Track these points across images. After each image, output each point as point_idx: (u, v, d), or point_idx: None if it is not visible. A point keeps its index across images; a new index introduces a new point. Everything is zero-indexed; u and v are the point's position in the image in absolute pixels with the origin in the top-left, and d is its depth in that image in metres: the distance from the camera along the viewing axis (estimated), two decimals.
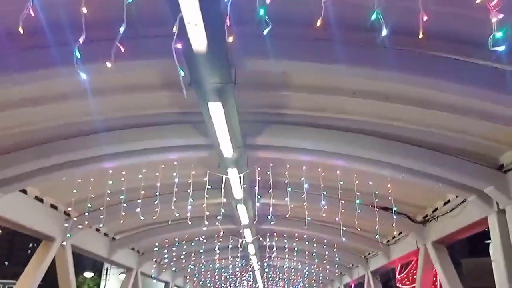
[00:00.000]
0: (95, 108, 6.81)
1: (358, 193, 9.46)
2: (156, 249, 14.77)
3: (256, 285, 27.07)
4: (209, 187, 8.64)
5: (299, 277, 22.61)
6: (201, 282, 23.16)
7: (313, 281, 22.67)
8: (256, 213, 10.62)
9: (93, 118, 6.97)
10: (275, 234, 14.21)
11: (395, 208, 10.34)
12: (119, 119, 7.13)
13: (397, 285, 15.22)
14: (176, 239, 14.55)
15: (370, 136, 7.23)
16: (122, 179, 8.98)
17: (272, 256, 19.98)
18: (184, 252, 15.24)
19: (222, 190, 8.19)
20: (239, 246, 14.23)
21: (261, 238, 13.91)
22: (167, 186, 9.06)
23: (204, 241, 14.59)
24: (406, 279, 14.21)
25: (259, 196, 8.27)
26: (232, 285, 25.86)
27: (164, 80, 6.25)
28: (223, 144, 6.74)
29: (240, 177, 8.00)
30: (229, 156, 7.15)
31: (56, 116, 6.82)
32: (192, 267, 19.95)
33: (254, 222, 12.36)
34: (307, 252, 14.97)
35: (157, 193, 9.07)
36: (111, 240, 13.53)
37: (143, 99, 6.79)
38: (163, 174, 8.75)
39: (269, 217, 10.00)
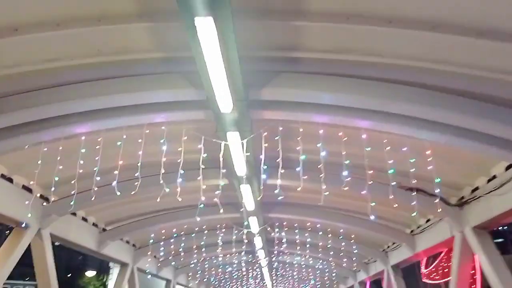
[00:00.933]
0: (57, 48, 5.31)
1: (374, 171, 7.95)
2: (151, 240, 13.20)
3: (263, 283, 25.44)
4: (203, 167, 7.05)
5: (310, 274, 20.95)
6: (204, 280, 21.55)
7: (326, 278, 20.98)
8: (262, 193, 9.03)
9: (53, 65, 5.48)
10: (284, 224, 12.59)
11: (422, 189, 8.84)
12: (88, 68, 5.61)
13: (423, 280, 13.56)
14: (174, 230, 12.99)
15: (408, 86, 5.64)
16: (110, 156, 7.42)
17: (281, 252, 18.38)
18: (182, 244, 13.67)
19: (221, 160, 6.58)
20: (244, 238, 12.64)
21: (268, 229, 12.31)
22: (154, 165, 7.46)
23: (206, 231, 13.02)
24: (435, 273, 12.54)
25: (265, 167, 6.65)
26: (238, 283, 24.28)
27: (142, 6, 4.74)
28: (219, 93, 5.17)
29: (242, 144, 6.41)
30: (228, 111, 5.57)
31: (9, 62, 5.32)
32: (194, 262, 18.43)
33: (260, 207, 10.80)
34: (320, 244, 13.29)
35: (137, 174, 7.34)
36: (101, 231, 12.00)
37: (117, 36, 5.25)
38: (147, 151, 7.12)
39: (278, 198, 8.35)
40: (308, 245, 14.15)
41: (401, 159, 7.32)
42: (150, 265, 16.58)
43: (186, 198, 11.75)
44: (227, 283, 23.82)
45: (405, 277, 14.01)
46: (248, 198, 9.29)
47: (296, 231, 12.63)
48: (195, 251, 16.52)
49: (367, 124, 6.29)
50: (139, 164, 7.06)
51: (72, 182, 7.78)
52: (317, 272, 19.87)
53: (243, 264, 19.03)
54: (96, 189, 8.65)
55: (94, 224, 11.72)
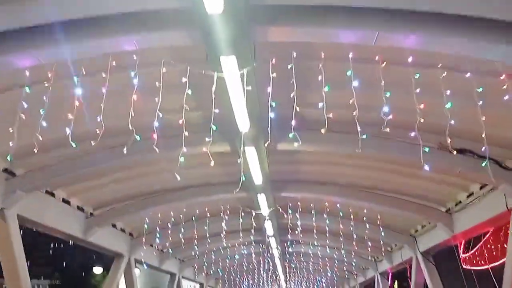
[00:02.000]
0: None
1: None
2: (146, 226, 11.45)
3: (276, 276, 23.64)
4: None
5: (326, 266, 19.08)
6: (211, 273, 19.79)
7: (344, 269, 19.08)
8: (272, 168, 7.28)
9: None
10: (298, 204, 10.75)
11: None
12: None
13: (464, 267, 11.66)
14: (172, 214, 11.26)
15: None
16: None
17: (294, 241, 16.56)
18: (183, 231, 11.90)
19: (213, 98, 4.75)
20: (252, 222, 10.86)
21: (280, 210, 10.52)
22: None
23: (208, 215, 11.26)
24: (479, 258, 10.64)
25: (273, 105, 4.80)
26: (249, 276, 22.51)
27: None
28: None
29: (243, 75, 4.60)
30: (219, 11, 3.77)
31: None
32: (199, 254, 16.70)
33: (270, 183, 9.03)
34: (340, 228, 11.41)
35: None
36: (88, 216, 10.31)
37: None
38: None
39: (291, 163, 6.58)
40: (325, 231, 12.27)
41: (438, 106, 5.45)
42: (151, 257, 14.90)
43: (184, 175, 10.08)
44: (238, 277, 22.02)
45: (437, 265, 12.13)
46: (254, 165, 7.49)
47: (312, 211, 10.77)
48: (199, 241, 14.81)
49: (416, 41, 4.43)
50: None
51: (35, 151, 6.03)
52: (335, 263, 18.01)
53: (253, 255, 17.21)
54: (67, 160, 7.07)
55: (79, 208, 10.03)
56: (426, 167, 5.62)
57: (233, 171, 9.88)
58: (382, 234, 11.22)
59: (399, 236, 12.71)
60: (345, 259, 16.79)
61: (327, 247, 16.53)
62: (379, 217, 11.10)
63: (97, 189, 9.70)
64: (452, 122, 5.39)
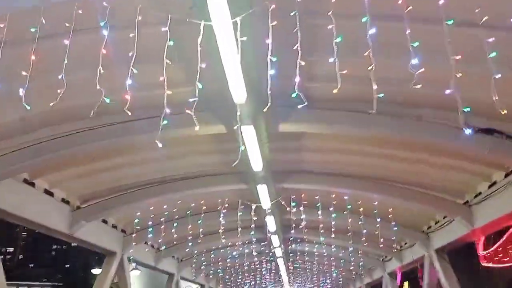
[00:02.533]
0: None
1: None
2: (137, 220, 10.58)
3: (278, 276, 22.72)
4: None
5: (332, 266, 18.15)
6: (211, 273, 18.90)
7: (351, 270, 18.15)
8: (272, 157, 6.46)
9: None
10: (302, 196, 9.85)
11: None
12: None
13: (484, 264, 10.73)
14: (165, 207, 10.39)
15: None
16: None
17: (298, 239, 15.68)
18: (175, 225, 11.03)
19: (199, 58, 3.87)
20: (253, 217, 9.99)
21: (283, 203, 9.63)
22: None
23: (204, 207, 10.37)
24: (501, 254, 9.71)
25: (274, 59, 3.90)
26: (251, 277, 21.61)
27: None
28: None
29: (236, 24, 3.73)
30: None
31: None
32: (197, 253, 15.85)
33: (272, 172, 8.17)
34: (348, 222, 10.48)
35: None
36: (74, 209, 9.46)
37: None
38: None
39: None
40: (331, 227, 11.32)
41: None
42: (146, 255, 14.05)
43: (178, 165, 9.25)
44: (239, 277, 21.11)
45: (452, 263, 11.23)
46: (253, 148, 6.62)
47: (318, 205, 9.86)
48: (196, 238, 13.94)
49: None
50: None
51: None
52: (341, 263, 17.09)
53: (255, 255, 16.31)
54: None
55: (64, 200, 9.18)
56: (468, 131, 4.65)
57: (231, 159, 9.04)
58: (395, 228, 10.27)
59: (410, 233, 11.81)
60: (352, 259, 15.89)
61: (332, 246, 15.63)
62: (390, 210, 10.19)
63: (83, 180, 8.86)
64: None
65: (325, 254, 16.00)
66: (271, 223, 11.60)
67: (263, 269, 19.97)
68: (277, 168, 8.89)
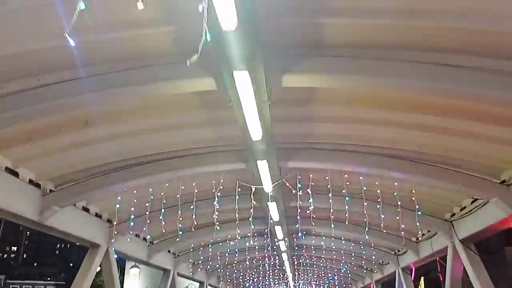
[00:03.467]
0: None
1: None
2: (119, 206, 9.17)
3: (283, 272, 21.33)
4: None
5: (341, 261, 16.71)
6: (208, 268, 17.52)
7: (361, 265, 16.74)
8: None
9: None
10: (310, 177, 8.38)
11: None
12: None
13: None
14: (150, 191, 9.00)
15: None
16: None
17: (305, 230, 14.29)
18: (163, 211, 9.55)
19: None
20: (252, 200, 8.53)
21: (287, 184, 8.19)
22: None
23: (196, 190, 8.92)
24: None
25: None
26: (253, 273, 20.25)
27: None
28: None
29: None
30: None
31: None
32: (194, 247, 14.51)
33: (275, 144, 6.77)
34: (365, 204, 8.96)
35: None
36: (45, 193, 8.09)
37: None
38: None
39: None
40: (342, 215, 9.88)
41: None
42: (137, 249, 12.69)
43: (165, 140, 7.88)
44: (240, 274, 19.74)
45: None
46: (249, 108, 5.21)
47: (329, 186, 8.38)
48: (192, 231, 12.56)
49: None
50: None
51: None
52: (352, 257, 15.66)
53: (257, 249, 14.91)
54: None
55: (33, 183, 7.82)
56: None
57: (226, 135, 7.70)
58: (419, 213, 8.79)
59: (432, 222, 10.35)
60: (364, 252, 14.50)
61: (342, 238, 14.23)
62: (413, 192, 8.73)
63: (53, 157, 7.48)
64: None
65: (334, 247, 14.59)
66: (273, 211, 10.20)
67: (266, 265, 18.57)
68: (281, 143, 7.51)
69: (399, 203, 8.52)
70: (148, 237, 13.10)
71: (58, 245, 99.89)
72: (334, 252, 15.26)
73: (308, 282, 26.02)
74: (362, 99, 6.34)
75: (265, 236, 13.06)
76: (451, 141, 7.13)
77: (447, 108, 6.15)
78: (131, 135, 7.23)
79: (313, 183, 8.26)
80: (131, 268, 35.09)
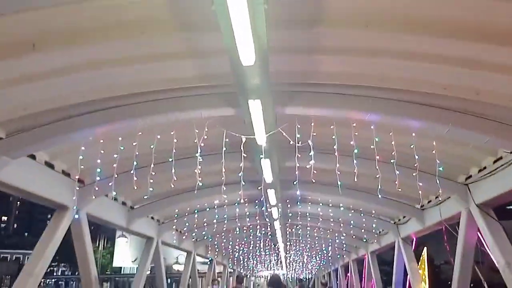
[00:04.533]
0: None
1: None
2: (83, 159, 7.66)
3: (275, 242, 20.28)
4: None
5: (338, 231, 15.55)
6: (196, 236, 16.29)
7: (358, 235, 15.61)
8: None
9: None
10: (311, 126, 6.93)
11: None
12: None
13: None
14: (121, 147, 7.53)
15: None
16: None
17: (300, 197, 13.03)
18: (135, 164, 7.89)
19: None
20: (242, 153, 7.08)
21: (283, 133, 6.75)
22: None
23: (175, 140, 7.40)
24: None
25: None
26: (244, 243, 19.14)
27: None
28: None
29: None
30: None
31: None
32: (178, 213, 13.25)
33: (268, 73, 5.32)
34: (378, 158, 7.44)
35: None
36: None
37: None
38: None
39: None
40: (347, 174, 8.51)
41: None
42: (114, 214, 11.35)
43: (134, 76, 6.42)
44: (229, 243, 18.59)
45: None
46: (236, 6, 3.76)
47: (333, 137, 6.87)
48: (175, 193, 11.30)
49: None
50: None
51: None
52: (351, 226, 14.48)
53: (247, 214, 13.63)
54: None
55: None
56: None
57: (211, 72, 6.26)
58: (439, 169, 7.42)
59: (445, 185, 9.02)
60: (363, 220, 13.32)
61: (340, 206, 13.03)
62: (434, 144, 7.32)
63: (0, 96, 6.00)
64: None
65: (332, 215, 13.38)
66: (267, 170, 8.84)
67: (257, 235, 17.41)
68: (277, 84, 6.09)
69: (416, 157, 7.12)
70: (152, 214, 11.84)
71: (49, 215, 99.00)
72: (331, 221, 14.05)
73: (300, 253, 25.09)
74: (377, 17, 4.92)
75: (256, 201, 11.77)
76: (484, 80, 5.76)
77: (486, 30, 4.76)
78: (92, 67, 5.74)
79: (314, 133, 6.84)
80: (118, 237, 33.95)
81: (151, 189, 8.28)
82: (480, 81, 5.78)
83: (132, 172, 7.71)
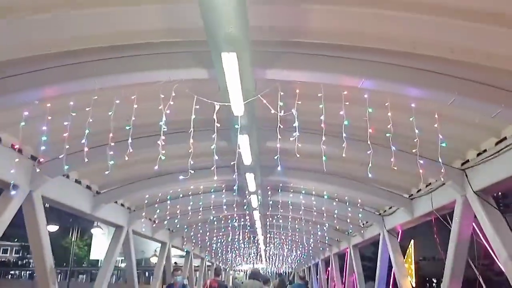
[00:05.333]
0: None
1: None
2: (22, 123, 6.49)
3: (255, 235, 19.34)
4: None
5: (323, 222, 14.64)
6: (165, 223, 15.13)
7: (346, 224, 14.74)
8: None
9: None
10: (297, 92, 5.84)
11: None
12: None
13: None
14: (72, 104, 6.34)
15: None
16: None
17: (281, 184, 12.17)
18: (87, 132, 6.66)
19: None
20: (215, 119, 5.97)
21: (264, 101, 5.66)
22: None
23: (136, 105, 6.24)
24: None
25: None
26: (221, 234, 18.14)
27: None
28: None
29: None
30: None
31: None
32: (148, 199, 12.16)
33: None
34: (369, 136, 6.42)
35: None
36: None
37: None
38: None
39: None
40: (328, 154, 7.52)
41: None
42: (79, 199, 10.19)
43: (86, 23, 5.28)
44: (206, 234, 17.54)
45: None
46: None
47: (321, 106, 5.76)
48: (141, 176, 10.27)
49: None
50: None
51: None
52: (334, 216, 13.59)
53: (224, 201, 12.58)
54: None
55: None
56: None
57: (181, 25, 5.23)
58: (444, 144, 6.46)
59: (439, 169, 8.07)
60: (349, 209, 12.46)
61: (324, 193, 12.14)
62: (436, 116, 6.36)
63: None
64: None
65: (315, 203, 12.46)
66: (245, 148, 7.80)
67: (235, 225, 16.42)
68: (258, 43, 5.09)
69: (416, 131, 6.16)
70: (95, 186, 10.70)
71: None
72: (314, 211, 13.10)
73: (280, 246, 24.20)
74: None
75: (234, 188, 10.76)
76: (498, 41, 4.87)
77: None
78: (29, 12, 4.63)
79: (299, 102, 5.84)
80: (92, 228, 32.61)
81: (111, 162, 7.10)
82: (494, 41, 4.89)
83: (86, 149, 6.51)
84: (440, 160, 6.45)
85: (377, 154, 6.73)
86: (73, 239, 32.61)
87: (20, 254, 70.51)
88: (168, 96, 5.99)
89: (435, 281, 39.84)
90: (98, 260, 57.85)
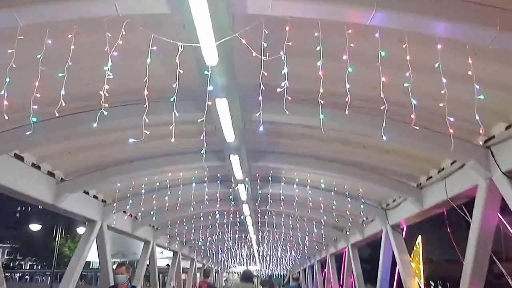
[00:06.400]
0: None
1: None
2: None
3: (246, 234, 17.85)
4: None
5: (319, 219, 13.17)
6: (139, 214, 13.50)
7: (344, 220, 13.28)
8: None
9: None
10: (286, 29, 4.38)
11: None
12: None
13: None
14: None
15: None
16: None
17: (271, 176, 10.75)
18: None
19: None
20: (177, 63, 4.46)
21: (243, 41, 4.21)
22: None
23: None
24: None
25: None
26: (207, 231, 16.63)
27: None
28: None
29: None
30: None
31: None
32: (131, 194, 10.71)
33: None
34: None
35: None
36: None
37: None
38: None
39: None
40: (327, 132, 6.06)
41: None
42: (35, 185, 8.67)
43: None
44: (192, 233, 16.00)
45: None
46: None
47: (318, 48, 4.37)
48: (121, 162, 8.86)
49: None
50: None
51: None
52: (332, 210, 12.12)
53: (206, 189, 11.04)
54: None
55: None
56: None
57: None
58: (481, 96, 4.93)
59: (458, 149, 6.50)
60: (349, 205, 11.00)
61: (321, 185, 10.66)
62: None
63: None
64: None
65: (310, 194, 10.97)
66: (224, 117, 6.29)
67: (224, 222, 14.93)
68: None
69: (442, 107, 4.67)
70: (59, 172, 9.23)
71: (19, 208, 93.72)
72: (309, 206, 11.57)
73: (274, 246, 22.70)
74: None
75: (218, 175, 9.29)
76: None
77: None
78: None
79: (290, 43, 4.37)
80: (78, 227, 30.77)
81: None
82: None
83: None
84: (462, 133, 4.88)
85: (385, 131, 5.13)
86: (57, 239, 30.92)
87: (12, 256, 68.86)
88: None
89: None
90: (89, 262, 56.03)
